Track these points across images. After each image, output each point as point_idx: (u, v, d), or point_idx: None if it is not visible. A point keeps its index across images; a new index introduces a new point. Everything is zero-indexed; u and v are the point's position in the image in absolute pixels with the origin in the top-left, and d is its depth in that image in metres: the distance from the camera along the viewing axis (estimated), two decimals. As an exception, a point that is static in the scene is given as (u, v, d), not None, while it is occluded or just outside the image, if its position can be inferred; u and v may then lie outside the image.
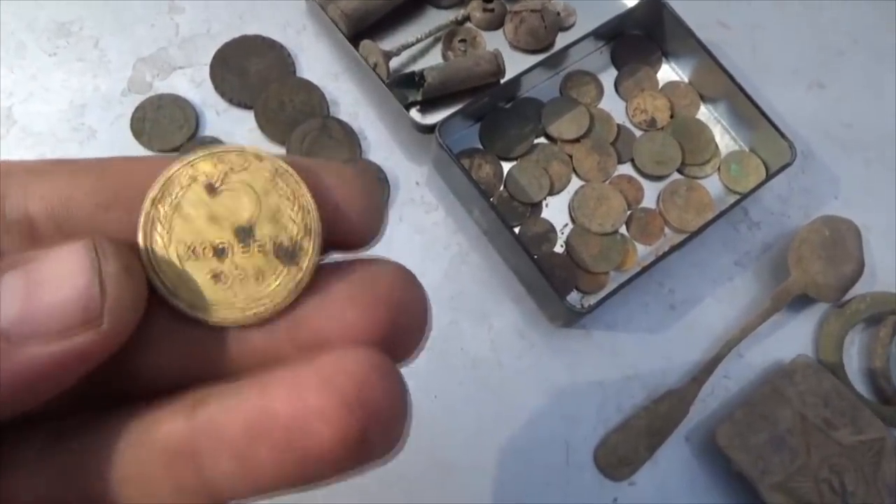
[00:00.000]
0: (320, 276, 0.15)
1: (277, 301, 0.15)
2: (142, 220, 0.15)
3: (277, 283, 0.15)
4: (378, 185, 0.45)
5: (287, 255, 0.15)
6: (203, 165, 0.15)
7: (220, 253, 0.15)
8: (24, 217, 0.15)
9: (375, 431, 0.14)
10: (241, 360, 0.15)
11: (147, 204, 0.15)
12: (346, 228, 0.16)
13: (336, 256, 0.17)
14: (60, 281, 0.13)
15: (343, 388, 0.14)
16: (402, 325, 0.15)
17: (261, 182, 0.15)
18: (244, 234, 0.15)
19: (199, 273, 0.15)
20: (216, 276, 0.15)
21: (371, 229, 0.17)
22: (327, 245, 0.16)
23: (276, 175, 0.15)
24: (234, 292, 0.15)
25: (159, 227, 0.15)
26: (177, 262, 0.15)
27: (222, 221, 0.15)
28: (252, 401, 0.14)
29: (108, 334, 0.13)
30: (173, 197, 0.15)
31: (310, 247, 0.15)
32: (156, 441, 0.14)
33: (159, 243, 0.15)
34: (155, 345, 0.15)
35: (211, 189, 0.15)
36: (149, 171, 0.15)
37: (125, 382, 0.15)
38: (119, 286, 0.13)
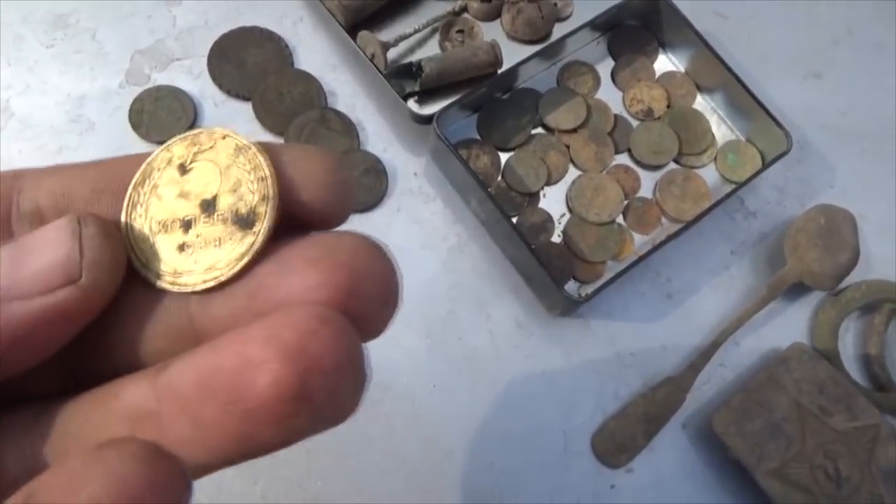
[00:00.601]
0: (283, 247, 0.15)
1: (233, 264, 0.15)
2: (125, 203, 0.16)
3: (234, 247, 0.15)
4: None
5: (244, 221, 0.16)
6: (177, 148, 0.17)
7: (186, 225, 0.16)
8: (35, 209, 0.16)
9: (317, 385, 0.13)
10: (206, 330, 0.15)
11: (130, 188, 0.17)
12: (309, 202, 0.16)
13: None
14: (45, 247, 0.14)
15: (283, 339, 0.13)
16: (365, 293, 0.15)
17: (224, 158, 0.16)
18: (208, 206, 0.16)
19: (168, 245, 0.16)
20: (181, 247, 0.16)
21: (334, 204, 0.17)
22: (295, 222, 0.16)
23: (239, 151, 0.16)
24: (195, 260, 0.16)
25: (138, 208, 0.16)
26: (150, 237, 0.16)
27: (190, 197, 0.16)
28: (204, 358, 0.14)
29: (87, 290, 0.14)
30: (152, 179, 0.16)
31: (264, 211, 0.16)
32: (120, 406, 0.15)
33: (137, 222, 0.16)
34: (131, 318, 0.16)
35: (182, 169, 0.16)
36: (140, 162, 0.17)
37: (106, 360, 0.16)
38: (97, 247, 0.14)
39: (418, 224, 0.47)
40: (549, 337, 0.46)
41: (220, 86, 0.48)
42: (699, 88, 0.53)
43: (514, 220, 0.48)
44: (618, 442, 0.44)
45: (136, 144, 0.46)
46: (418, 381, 0.44)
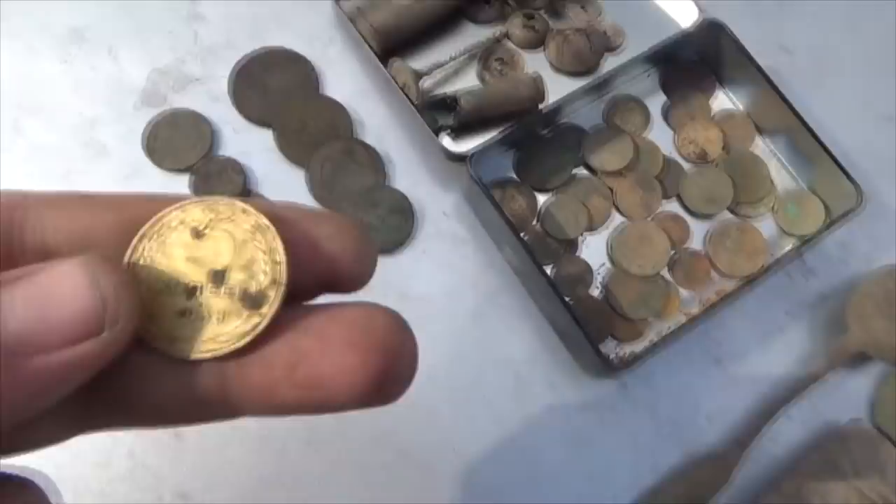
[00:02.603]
0: (318, 319, 0.16)
1: (234, 342, 0.16)
2: (129, 253, 0.16)
3: (237, 326, 0.16)
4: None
5: (252, 301, 0.16)
6: (193, 211, 0.17)
7: (190, 292, 0.16)
8: (41, 246, 0.16)
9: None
10: (238, 395, 0.16)
11: (135, 240, 0.16)
12: (343, 273, 0.18)
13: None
14: (64, 295, 0.14)
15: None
16: (394, 373, 0.16)
17: (241, 233, 0.16)
18: (217, 277, 0.16)
19: (169, 308, 0.16)
20: (183, 313, 0.16)
21: (364, 276, 0.18)
22: (321, 289, 0.18)
23: (257, 229, 0.16)
24: (195, 329, 0.16)
25: (142, 262, 0.16)
26: (151, 294, 0.16)
27: (200, 264, 0.16)
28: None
29: (107, 342, 0.14)
30: (161, 236, 0.16)
31: (274, 295, 0.16)
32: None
33: (139, 276, 0.16)
34: (132, 373, 0.16)
35: (196, 233, 0.16)
36: (156, 206, 0.17)
37: (103, 411, 0.16)
38: (118, 299, 0.14)
39: (446, 269, 0.44)
40: (582, 400, 0.42)
41: (241, 110, 0.45)
42: (759, 131, 0.49)
43: (550, 269, 0.44)
44: (654, 524, 0.40)
45: (150, 171, 0.43)
46: (438, 445, 0.41)
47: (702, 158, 0.47)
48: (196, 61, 0.46)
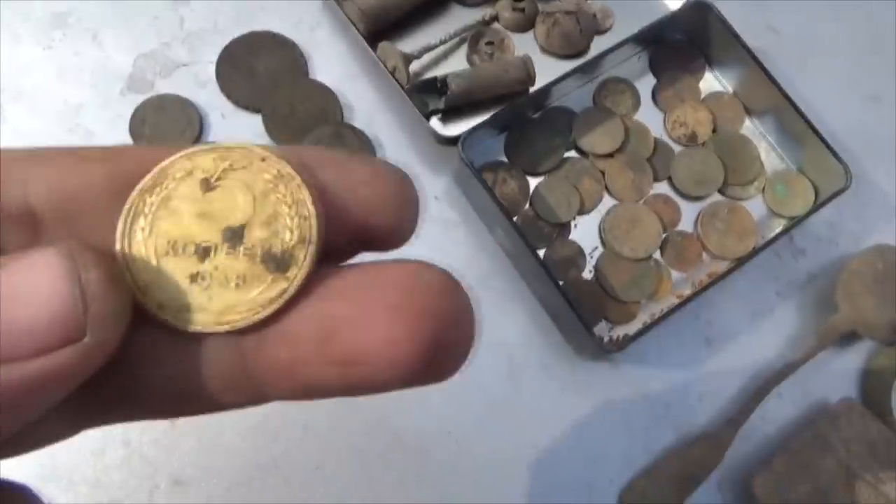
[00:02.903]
0: (352, 282, 0.14)
1: (257, 311, 0.13)
2: (126, 209, 0.14)
3: (260, 291, 0.13)
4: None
5: (276, 263, 0.14)
6: (202, 159, 0.14)
7: (203, 253, 0.14)
8: (24, 208, 0.13)
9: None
10: (259, 374, 0.14)
11: (134, 194, 0.14)
12: (381, 226, 0.15)
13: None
14: (36, 295, 0.11)
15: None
16: (449, 342, 0.14)
17: (261, 184, 0.14)
18: (233, 235, 0.14)
19: (177, 272, 0.14)
20: (194, 277, 0.14)
21: (407, 229, 0.15)
22: (355, 246, 0.15)
23: (279, 179, 0.14)
24: (209, 296, 0.13)
25: (142, 220, 0.14)
26: (153, 257, 0.14)
27: (212, 220, 0.14)
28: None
29: (91, 348, 0.12)
30: (164, 188, 0.14)
31: (303, 256, 0.14)
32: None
33: (139, 236, 0.14)
34: (133, 354, 0.13)
35: (206, 185, 0.14)
36: (156, 156, 0.14)
37: (104, 401, 0.14)
38: (102, 297, 0.12)
39: (438, 253, 0.44)
40: (575, 382, 0.42)
41: (229, 95, 0.44)
42: (748, 111, 0.49)
43: (542, 252, 0.44)
44: (648, 501, 0.41)
45: (137, 158, 0.43)
46: (433, 429, 0.41)
47: (692, 140, 0.47)
48: (182, 46, 0.45)
